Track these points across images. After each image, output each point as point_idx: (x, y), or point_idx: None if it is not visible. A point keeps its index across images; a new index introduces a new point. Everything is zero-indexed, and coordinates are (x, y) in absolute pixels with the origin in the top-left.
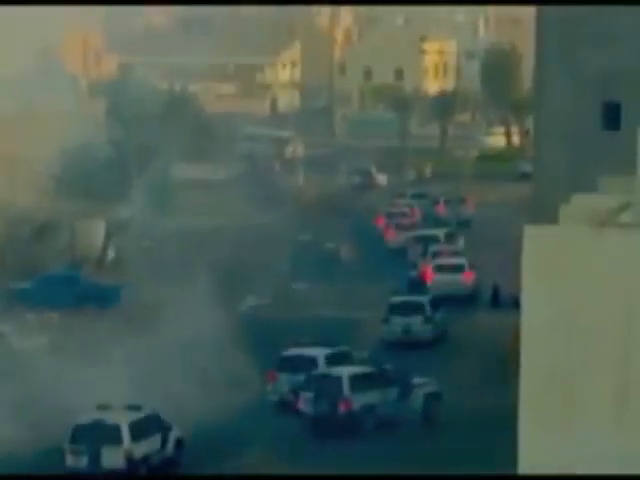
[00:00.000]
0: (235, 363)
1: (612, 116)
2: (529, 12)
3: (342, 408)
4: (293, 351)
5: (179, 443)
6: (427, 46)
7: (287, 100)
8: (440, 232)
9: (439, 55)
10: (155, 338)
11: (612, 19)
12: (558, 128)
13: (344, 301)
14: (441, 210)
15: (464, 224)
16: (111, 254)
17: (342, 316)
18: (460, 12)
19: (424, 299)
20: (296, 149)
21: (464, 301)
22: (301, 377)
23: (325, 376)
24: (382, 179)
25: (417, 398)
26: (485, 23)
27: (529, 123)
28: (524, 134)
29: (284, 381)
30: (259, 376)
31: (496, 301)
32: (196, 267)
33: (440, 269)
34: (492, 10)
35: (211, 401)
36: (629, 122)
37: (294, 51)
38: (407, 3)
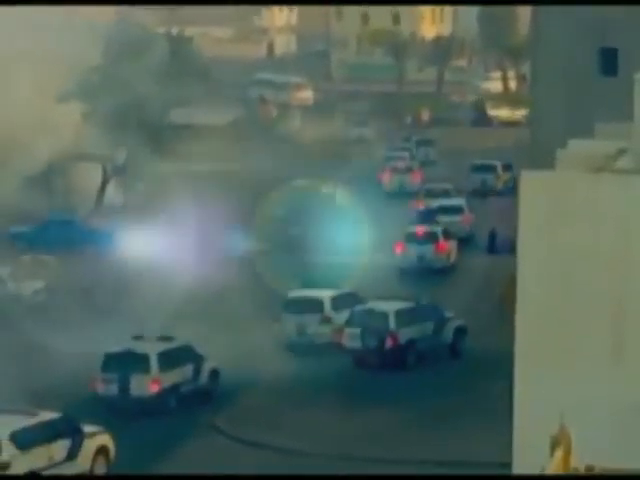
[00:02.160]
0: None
1: (609, 61)
2: None
3: (389, 343)
4: (298, 292)
5: (214, 374)
6: None
7: (284, 44)
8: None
9: None
10: (153, 281)
11: None
12: (555, 73)
13: (340, 246)
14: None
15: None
16: (108, 198)
17: (337, 261)
18: None
19: (437, 229)
20: (305, 95)
21: (462, 242)
22: (307, 318)
23: (371, 311)
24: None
25: (448, 332)
26: None
27: (526, 68)
28: (521, 79)
29: (291, 322)
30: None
31: (493, 246)
32: (193, 212)
33: (442, 210)
34: None
35: (228, 340)
36: (626, 68)
37: None
38: (408, 3)
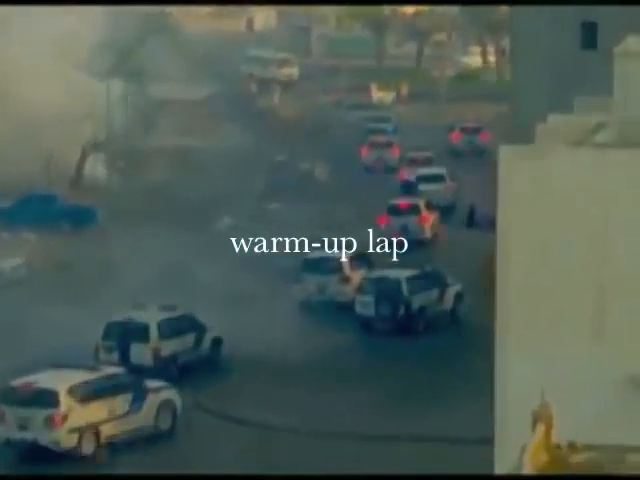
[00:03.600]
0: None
1: (589, 36)
2: None
3: (402, 310)
4: (317, 253)
5: (216, 343)
6: None
7: (263, 20)
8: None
9: None
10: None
11: None
12: (535, 48)
13: (319, 221)
14: (456, 138)
15: (478, 154)
16: (87, 174)
17: (314, 235)
18: None
19: (420, 202)
20: (290, 71)
21: (445, 211)
22: (327, 278)
23: (383, 279)
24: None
25: (449, 298)
26: None
27: (506, 43)
28: (500, 53)
29: (310, 281)
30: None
31: (471, 222)
32: (172, 187)
33: (424, 179)
34: None
35: (231, 312)
36: (605, 42)
37: None
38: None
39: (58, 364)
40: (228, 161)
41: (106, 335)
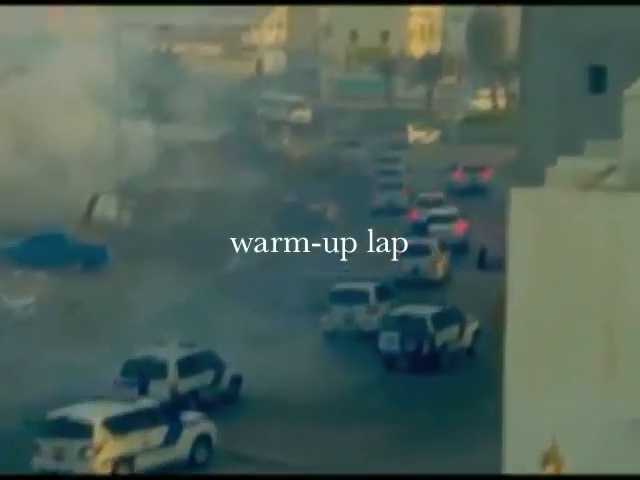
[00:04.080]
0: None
1: (598, 79)
2: None
3: (427, 346)
4: (343, 285)
5: (236, 380)
6: (413, 8)
7: (273, 62)
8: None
9: (425, 17)
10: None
11: None
12: (544, 91)
13: (330, 262)
14: (459, 177)
15: (480, 192)
16: (98, 214)
17: (328, 277)
18: None
19: (433, 242)
20: (303, 114)
21: (456, 250)
22: (353, 308)
23: (407, 316)
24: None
25: (468, 334)
26: None
27: (515, 86)
28: (510, 97)
29: (338, 313)
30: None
31: (482, 263)
32: (184, 228)
33: (434, 219)
34: None
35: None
36: (615, 85)
37: (280, 12)
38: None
39: (94, 396)
40: (238, 202)
41: (125, 371)
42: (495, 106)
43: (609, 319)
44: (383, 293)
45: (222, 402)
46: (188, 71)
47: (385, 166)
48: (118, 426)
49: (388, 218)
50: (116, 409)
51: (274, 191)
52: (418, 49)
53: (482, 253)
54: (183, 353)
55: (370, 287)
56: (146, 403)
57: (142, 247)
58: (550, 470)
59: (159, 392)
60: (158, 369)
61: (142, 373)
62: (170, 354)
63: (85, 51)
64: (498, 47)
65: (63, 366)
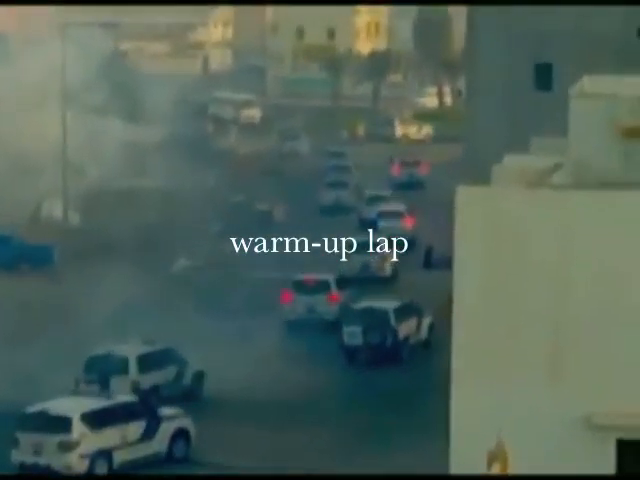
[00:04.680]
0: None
1: (544, 77)
2: None
3: (390, 339)
4: (305, 276)
5: (198, 376)
6: (359, 6)
7: (219, 60)
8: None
9: (371, 15)
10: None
11: None
12: (490, 88)
13: (277, 261)
14: (396, 171)
15: (417, 186)
16: (45, 214)
17: (274, 277)
18: None
19: (382, 239)
20: (252, 112)
21: (403, 246)
22: (315, 298)
23: (370, 309)
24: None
25: (424, 328)
26: None
27: (462, 83)
28: (456, 94)
29: (300, 302)
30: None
31: (429, 262)
32: (128, 229)
33: (383, 215)
34: None
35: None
36: (561, 83)
37: (226, 10)
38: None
39: (72, 391)
40: (186, 202)
41: (87, 368)
42: (442, 104)
43: (556, 317)
44: (342, 283)
45: (185, 399)
46: (135, 69)
47: (332, 163)
48: (96, 420)
49: (336, 217)
50: (94, 404)
51: (221, 190)
52: (365, 47)
53: (428, 252)
54: (144, 349)
55: (330, 277)
56: (124, 398)
57: (90, 247)
58: (496, 469)
59: (120, 388)
60: (119, 365)
61: (103, 370)
62: (131, 350)
63: (33, 50)
64: (445, 45)
65: (12, 367)
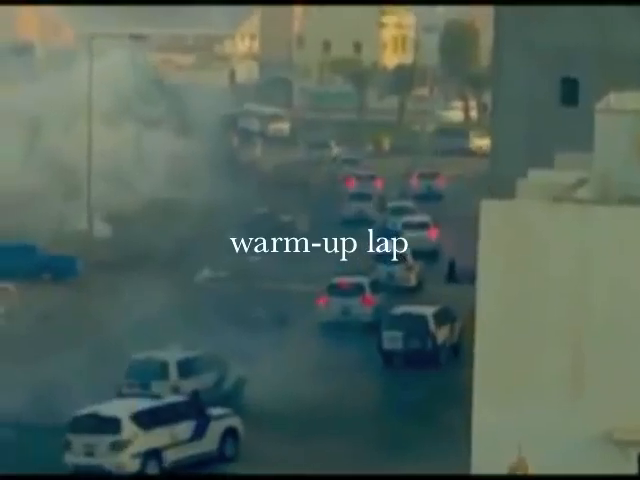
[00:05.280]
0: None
1: (570, 92)
2: None
3: (430, 344)
4: (339, 279)
5: (240, 382)
6: (386, 19)
7: (246, 72)
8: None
9: (398, 29)
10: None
11: None
12: (516, 103)
13: (298, 273)
14: (414, 183)
15: (436, 198)
16: (71, 226)
17: (295, 289)
18: None
19: (407, 250)
20: (282, 126)
21: (429, 256)
22: (350, 301)
23: (409, 315)
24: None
25: (456, 332)
26: None
27: (487, 98)
28: (482, 108)
29: (335, 304)
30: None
31: (452, 276)
32: (154, 239)
33: (408, 226)
34: None
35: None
36: (586, 98)
37: (253, 23)
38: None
39: (122, 393)
40: (209, 213)
41: (129, 373)
42: (467, 118)
43: (577, 332)
44: (377, 286)
45: (226, 404)
46: (163, 81)
47: (356, 175)
48: (146, 420)
49: (359, 228)
50: (143, 404)
51: (246, 202)
52: (391, 60)
53: (451, 266)
54: (184, 355)
55: (365, 280)
56: (172, 398)
57: (111, 258)
58: None
59: (160, 393)
60: (159, 370)
61: (144, 374)
62: (171, 355)
63: (62, 63)
64: (470, 59)
65: (35, 379)
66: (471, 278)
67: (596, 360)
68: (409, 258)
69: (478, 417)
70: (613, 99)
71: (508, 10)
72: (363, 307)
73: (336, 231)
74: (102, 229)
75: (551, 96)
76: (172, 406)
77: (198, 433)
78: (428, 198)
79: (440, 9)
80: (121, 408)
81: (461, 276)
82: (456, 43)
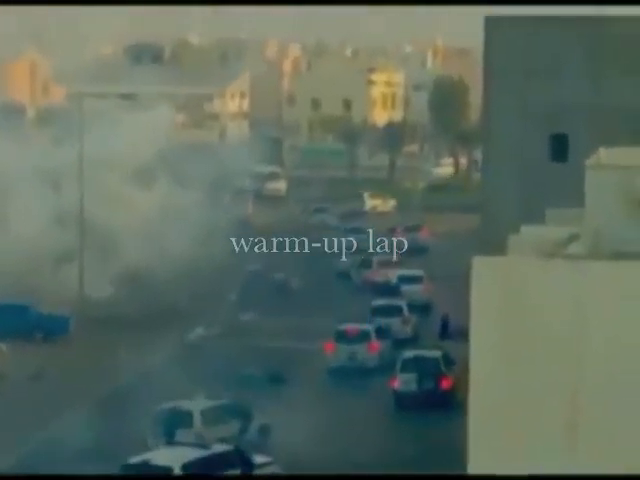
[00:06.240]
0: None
1: (560, 148)
2: (477, 43)
3: (444, 385)
4: (346, 326)
5: (265, 429)
6: (375, 77)
7: (236, 130)
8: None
9: (387, 86)
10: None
11: (558, 53)
12: (506, 159)
13: (292, 331)
14: (399, 236)
15: (420, 251)
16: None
17: (289, 346)
18: (408, 44)
19: (403, 302)
20: (279, 185)
21: (422, 310)
22: (356, 347)
23: (422, 358)
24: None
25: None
26: (433, 55)
27: (477, 154)
28: (472, 165)
29: (342, 350)
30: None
31: (445, 332)
32: (143, 297)
33: (402, 279)
34: (440, 42)
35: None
36: (576, 154)
37: (243, 81)
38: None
39: (171, 442)
40: (202, 271)
41: (155, 422)
42: (457, 174)
43: (572, 387)
44: (381, 333)
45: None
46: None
47: (350, 231)
48: (196, 470)
49: (352, 282)
50: (193, 453)
51: (238, 260)
52: (380, 118)
53: (444, 323)
54: (208, 404)
55: (370, 327)
56: (220, 447)
57: (103, 316)
58: None
59: (185, 441)
60: (184, 419)
61: (169, 423)
62: (195, 405)
63: (51, 123)
64: (460, 115)
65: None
66: (464, 335)
67: (591, 416)
68: (405, 311)
69: (473, 471)
70: (603, 155)
71: (497, 65)
72: (369, 353)
73: (330, 285)
74: (97, 288)
75: (541, 152)
76: (220, 455)
77: None
78: (413, 252)
79: (429, 67)
80: (172, 457)
81: (454, 333)
82: (445, 100)
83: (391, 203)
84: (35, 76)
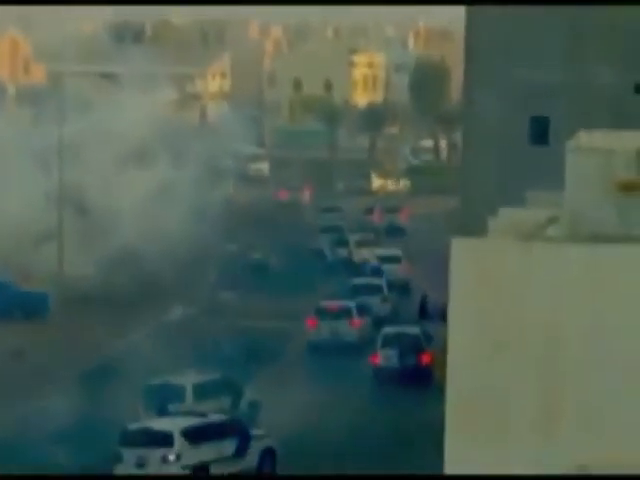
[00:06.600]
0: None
1: (540, 131)
2: (459, 26)
3: (425, 360)
4: (328, 303)
5: (254, 405)
6: (356, 58)
7: (216, 110)
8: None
9: (368, 68)
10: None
11: (540, 35)
12: (486, 141)
13: (271, 310)
14: (376, 218)
15: (398, 233)
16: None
17: (268, 325)
18: (390, 25)
19: (381, 281)
20: (261, 166)
21: (400, 290)
22: (337, 323)
23: (403, 334)
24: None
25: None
26: (414, 36)
27: (457, 136)
28: (452, 147)
29: (324, 326)
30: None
31: (424, 312)
32: (124, 276)
33: (382, 260)
34: (422, 24)
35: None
36: (557, 137)
37: (224, 61)
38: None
39: (170, 412)
40: (182, 250)
41: (146, 396)
42: (437, 156)
43: (550, 370)
44: (363, 310)
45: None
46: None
47: (326, 210)
48: (194, 436)
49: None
50: (192, 421)
51: (217, 240)
52: (362, 99)
53: (423, 303)
54: (200, 378)
55: (352, 304)
56: (217, 417)
57: (83, 295)
58: None
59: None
60: (176, 394)
61: (160, 398)
62: (187, 379)
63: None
64: (441, 97)
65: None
66: (443, 315)
67: (568, 399)
68: (385, 290)
69: (450, 456)
70: (583, 138)
71: (479, 47)
72: (350, 329)
73: (309, 266)
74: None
75: (522, 134)
76: (218, 424)
77: (240, 451)
78: (391, 233)
79: (411, 48)
80: (172, 424)
81: (433, 312)
82: (426, 81)
83: (403, 183)
84: (16, 55)
